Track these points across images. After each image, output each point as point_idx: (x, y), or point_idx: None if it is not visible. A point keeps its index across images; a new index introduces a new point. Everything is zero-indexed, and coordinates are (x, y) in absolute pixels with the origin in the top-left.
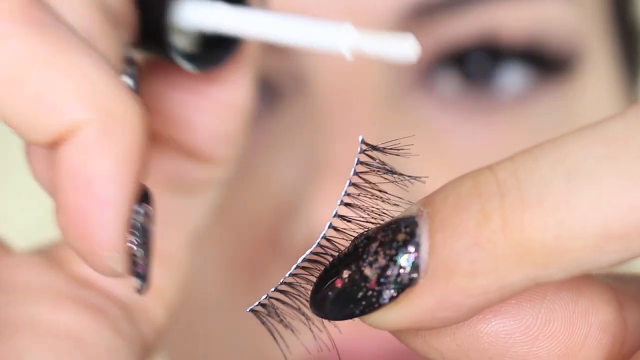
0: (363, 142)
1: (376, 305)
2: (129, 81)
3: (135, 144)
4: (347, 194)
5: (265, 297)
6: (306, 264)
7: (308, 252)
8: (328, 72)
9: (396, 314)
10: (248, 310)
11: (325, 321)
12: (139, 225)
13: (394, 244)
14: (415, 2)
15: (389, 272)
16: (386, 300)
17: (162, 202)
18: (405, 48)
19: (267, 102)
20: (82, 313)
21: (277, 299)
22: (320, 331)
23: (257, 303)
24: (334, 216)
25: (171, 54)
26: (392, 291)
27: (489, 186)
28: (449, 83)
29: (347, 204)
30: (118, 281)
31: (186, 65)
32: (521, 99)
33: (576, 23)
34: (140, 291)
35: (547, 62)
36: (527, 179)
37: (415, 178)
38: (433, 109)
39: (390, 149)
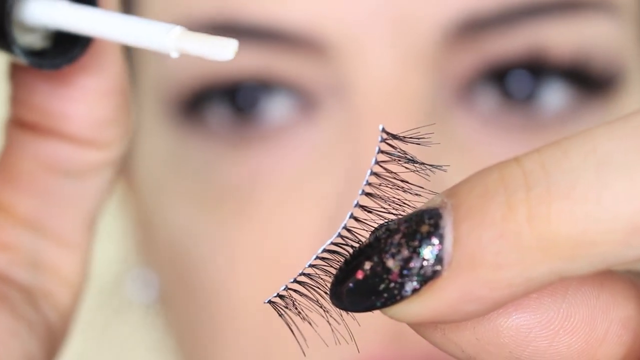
0: (384, 131)
1: (398, 297)
2: None
3: None
4: (369, 184)
5: (284, 288)
6: (326, 255)
7: (328, 242)
8: (368, 84)
9: (418, 306)
10: (266, 301)
11: (344, 313)
12: None
13: (417, 236)
14: (462, 19)
15: (412, 264)
16: (408, 293)
17: (52, 187)
18: (224, 50)
19: (306, 113)
20: None
21: (295, 291)
22: (339, 324)
23: (275, 294)
24: (355, 206)
25: (17, 54)
26: (415, 283)
27: (516, 177)
28: (490, 99)
29: (368, 194)
30: (17, 264)
31: (32, 64)
32: (562, 118)
33: (620, 42)
34: None
35: (591, 82)
36: (555, 170)
37: (436, 167)
38: (473, 124)
39: (411, 138)
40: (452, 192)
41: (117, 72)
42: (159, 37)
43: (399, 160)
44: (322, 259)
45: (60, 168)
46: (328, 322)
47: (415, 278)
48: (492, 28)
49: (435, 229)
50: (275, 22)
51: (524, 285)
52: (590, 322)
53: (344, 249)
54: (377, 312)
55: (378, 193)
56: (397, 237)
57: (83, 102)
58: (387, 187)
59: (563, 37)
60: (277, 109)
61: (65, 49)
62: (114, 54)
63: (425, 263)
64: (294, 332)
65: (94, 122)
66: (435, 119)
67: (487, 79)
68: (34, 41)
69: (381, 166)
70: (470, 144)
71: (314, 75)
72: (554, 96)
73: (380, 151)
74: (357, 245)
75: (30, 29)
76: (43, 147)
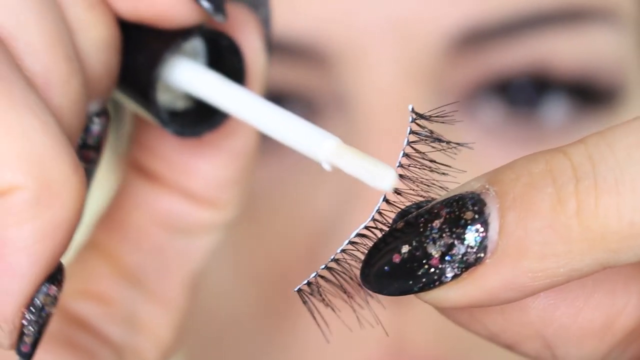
0: (413, 111)
1: (437, 283)
2: (94, 132)
3: (64, 221)
4: (400, 165)
5: (314, 276)
6: (355, 239)
7: (362, 226)
8: (369, 95)
9: (457, 292)
10: (296, 290)
11: (369, 298)
12: (39, 304)
13: (462, 222)
14: (464, 31)
15: (454, 251)
16: (449, 279)
17: (160, 242)
18: (383, 181)
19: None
20: (70, 356)
21: (321, 277)
22: (362, 308)
23: (305, 282)
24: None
25: (161, 124)
26: (456, 270)
27: (564, 169)
28: (492, 110)
29: (400, 176)
30: (112, 320)
31: (177, 134)
32: (565, 130)
33: (622, 53)
34: None
35: (593, 94)
36: (602, 163)
37: (462, 145)
38: (475, 135)
39: (437, 116)
40: (496, 179)
41: (251, 135)
42: (312, 144)
43: (426, 140)
44: (351, 243)
45: (173, 225)
46: (352, 307)
47: (457, 265)
48: (495, 40)
49: (480, 216)
50: (278, 33)
51: (567, 275)
52: (612, 296)
53: (372, 232)
54: (380, 316)
55: (408, 174)
56: (437, 222)
57: (212, 161)
58: (416, 167)
59: (566, 49)
60: None
61: (207, 112)
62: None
63: (469, 250)
64: (317, 321)
65: (218, 182)
66: (437, 129)
67: (490, 90)
68: (174, 99)
69: (412, 147)
70: (473, 153)
71: (316, 85)
72: (557, 108)
73: (411, 131)
74: (387, 227)
75: (171, 90)
76: (160, 200)
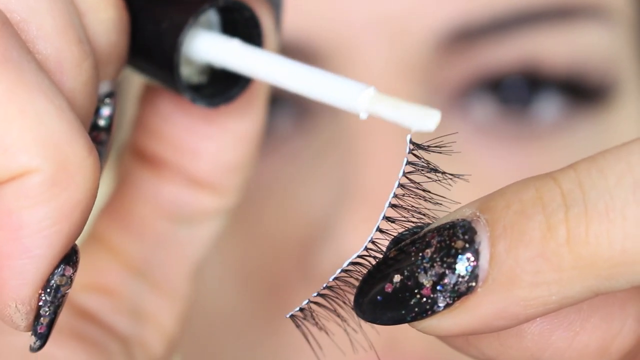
0: (411, 142)
1: (430, 312)
2: (104, 114)
3: (79, 202)
4: (395, 196)
5: (307, 302)
6: (349, 267)
7: (354, 256)
8: None
9: (450, 321)
10: (288, 316)
11: (363, 324)
12: (54, 285)
13: (452, 251)
14: (455, 28)
15: (446, 280)
16: (441, 308)
17: (164, 232)
18: (426, 122)
19: (298, 123)
20: (79, 349)
21: (314, 302)
22: (356, 332)
23: (297, 308)
24: (382, 219)
25: (181, 89)
26: (448, 299)
27: (554, 197)
28: (484, 108)
29: (393, 206)
30: (119, 312)
31: (195, 101)
32: (557, 127)
33: (614, 50)
34: (33, 350)
35: (585, 92)
36: (592, 190)
37: (457, 176)
38: (467, 132)
39: (435, 146)
40: (487, 206)
41: (259, 118)
42: (350, 96)
43: (422, 170)
44: (344, 271)
45: (176, 214)
46: (345, 331)
47: (448, 294)
48: (486, 37)
49: (471, 245)
50: None
51: (559, 303)
52: (608, 319)
53: (366, 260)
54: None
55: (402, 204)
56: (429, 252)
57: (218, 142)
58: (410, 197)
59: (557, 46)
60: (271, 118)
61: (221, 87)
62: (260, 99)
63: (460, 279)
64: (311, 344)
65: (223, 165)
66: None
67: (482, 88)
68: (190, 74)
69: (407, 177)
70: (465, 150)
71: None
72: (549, 105)
73: (408, 162)
74: (380, 256)
75: (190, 62)
76: (163, 188)
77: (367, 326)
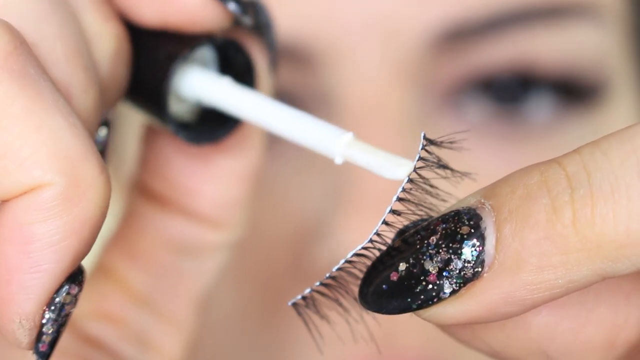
0: (425, 137)
1: (436, 299)
2: (99, 140)
3: (90, 219)
4: (404, 190)
5: (309, 291)
6: (353, 258)
7: (359, 247)
8: (354, 90)
9: (456, 308)
10: (290, 303)
11: (365, 314)
12: (59, 303)
13: (458, 237)
14: (448, 28)
15: (452, 266)
16: (447, 295)
17: (169, 264)
18: (397, 171)
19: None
20: None
21: (316, 292)
22: (357, 322)
23: (299, 296)
24: (389, 212)
25: (166, 120)
26: (454, 285)
27: (559, 179)
28: (477, 107)
29: (400, 199)
30: (125, 340)
31: (178, 134)
32: (550, 126)
33: (606, 50)
34: None
35: (578, 92)
36: (597, 172)
37: (466, 174)
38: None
39: (448, 142)
40: (491, 193)
41: (257, 157)
42: (326, 139)
43: (432, 167)
44: (347, 262)
45: (181, 247)
46: (347, 321)
47: (454, 280)
48: (478, 37)
49: (476, 230)
50: None
51: (566, 286)
52: (614, 311)
53: (370, 252)
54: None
55: (409, 198)
56: (434, 238)
57: (218, 182)
58: (417, 191)
59: (550, 45)
60: None
61: (211, 126)
62: (257, 137)
63: (466, 265)
64: (313, 333)
65: (224, 203)
66: (421, 127)
67: (475, 87)
68: (180, 111)
69: (418, 173)
70: (456, 150)
71: (300, 83)
72: (541, 105)
73: (420, 158)
74: (384, 248)
75: (182, 100)
76: (167, 223)
77: (367, 319)
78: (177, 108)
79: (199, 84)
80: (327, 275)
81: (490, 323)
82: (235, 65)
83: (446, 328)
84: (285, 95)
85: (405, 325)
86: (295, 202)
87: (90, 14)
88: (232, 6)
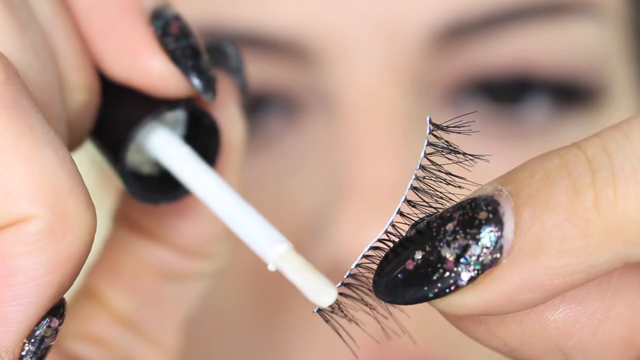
0: (431, 122)
1: (453, 287)
2: None
3: (74, 254)
4: (417, 178)
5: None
6: (369, 252)
7: (375, 239)
8: (352, 88)
9: (474, 297)
10: (315, 311)
11: (390, 307)
12: (39, 336)
13: (476, 222)
14: (446, 26)
15: (469, 252)
16: (464, 282)
17: (154, 289)
18: (321, 297)
19: (289, 120)
20: None
21: (340, 294)
22: (386, 319)
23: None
24: (403, 201)
25: (125, 185)
26: (472, 272)
27: (579, 162)
28: (475, 106)
29: (414, 188)
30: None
31: (134, 196)
32: (548, 126)
33: (605, 49)
34: None
35: (577, 91)
36: (618, 153)
37: (478, 157)
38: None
39: (454, 126)
40: (508, 179)
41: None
42: (263, 243)
43: (442, 152)
44: (365, 256)
45: (165, 274)
46: (376, 318)
47: (472, 267)
48: (476, 35)
49: (494, 215)
50: (258, 29)
51: (587, 272)
52: (633, 308)
53: (385, 243)
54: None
55: (423, 187)
56: (451, 225)
57: (197, 221)
58: (431, 180)
59: (548, 44)
60: (262, 115)
61: (170, 184)
62: (234, 178)
63: (485, 251)
64: (342, 336)
65: (206, 238)
66: (420, 127)
67: (473, 87)
68: (142, 163)
69: (428, 159)
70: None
71: (298, 82)
72: (540, 104)
73: (429, 143)
74: (399, 238)
75: (144, 152)
76: (151, 252)
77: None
78: (137, 159)
79: (158, 146)
80: (347, 273)
81: (507, 318)
82: (204, 133)
83: (460, 323)
84: (285, 95)
85: (407, 324)
86: (294, 200)
87: (68, 61)
88: (196, 82)
